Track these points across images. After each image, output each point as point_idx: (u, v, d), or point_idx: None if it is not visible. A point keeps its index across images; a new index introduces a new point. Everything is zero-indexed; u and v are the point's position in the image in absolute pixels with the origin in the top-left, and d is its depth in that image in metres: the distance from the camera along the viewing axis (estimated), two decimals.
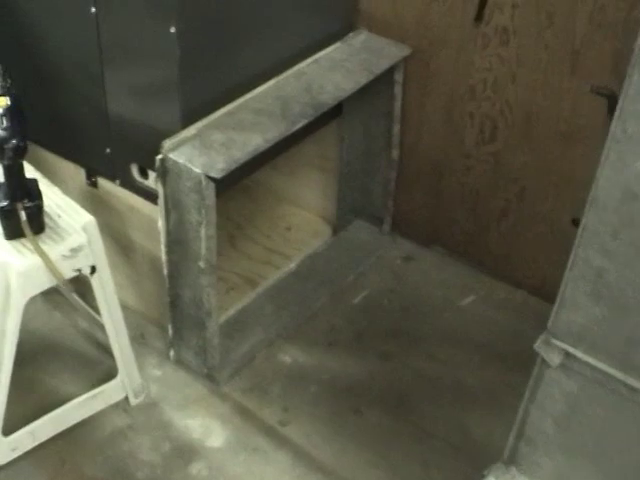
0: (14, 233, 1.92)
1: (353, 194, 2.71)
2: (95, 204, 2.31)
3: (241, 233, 2.72)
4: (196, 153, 1.99)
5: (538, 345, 1.31)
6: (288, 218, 2.78)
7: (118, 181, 2.25)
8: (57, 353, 2.36)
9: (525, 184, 2.43)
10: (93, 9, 2.02)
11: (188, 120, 2.05)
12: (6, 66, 1.93)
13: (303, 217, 2.79)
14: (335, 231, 2.75)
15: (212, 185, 1.96)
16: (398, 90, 2.47)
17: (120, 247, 2.35)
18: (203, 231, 2.00)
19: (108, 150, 2.22)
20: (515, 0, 2.19)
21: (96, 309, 2.14)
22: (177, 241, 2.09)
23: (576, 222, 2.36)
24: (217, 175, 1.94)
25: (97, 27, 2.05)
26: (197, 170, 1.95)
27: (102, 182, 2.30)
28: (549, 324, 1.29)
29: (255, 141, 2.05)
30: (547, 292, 2.50)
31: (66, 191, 2.12)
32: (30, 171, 2.04)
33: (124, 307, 2.17)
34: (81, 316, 2.41)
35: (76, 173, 2.35)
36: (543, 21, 2.18)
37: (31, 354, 2.31)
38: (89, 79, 2.15)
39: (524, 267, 2.56)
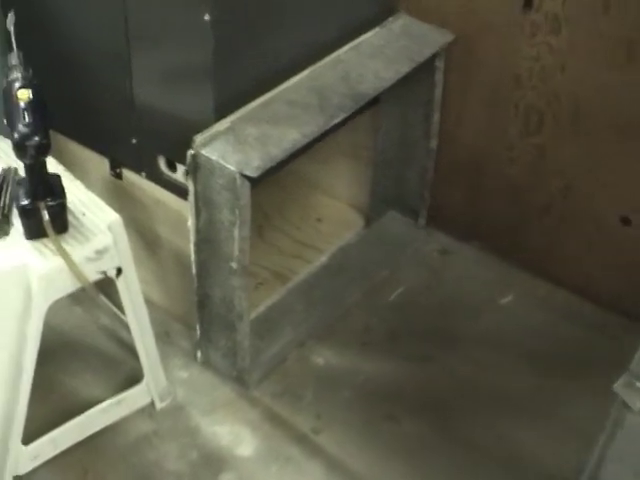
0: (36, 233, 1.79)
1: (387, 184, 2.58)
2: (119, 196, 2.19)
3: (270, 224, 2.60)
4: (230, 149, 1.86)
5: (618, 387, 1.19)
6: (319, 208, 2.65)
7: (144, 173, 2.12)
8: (78, 351, 2.25)
9: (571, 179, 2.30)
10: None
11: (221, 112, 1.92)
12: (25, 53, 1.79)
13: (334, 207, 2.66)
14: (367, 222, 2.63)
15: (247, 184, 1.83)
16: (439, 77, 2.33)
17: (145, 242, 2.23)
18: (236, 232, 1.88)
19: (134, 140, 2.09)
20: None
21: (120, 307, 2.02)
22: (207, 240, 1.97)
23: (626, 221, 2.28)
24: (253, 174, 1.81)
25: (125, 10, 1.92)
26: (231, 168, 1.82)
27: (127, 174, 2.18)
28: (632, 365, 1.17)
29: (292, 136, 1.91)
30: (590, 292, 2.39)
31: (89, 182, 2.00)
32: (52, 164, 1.91)
33: (148, 303, 2.04)
34: (103, 312, 2.30)
35: (100, 163, 2.22)
36: (598, 8, 2.04)
37: (51, 352, 2.17)
38: (115, 65, 2.01)
39: (566, 266, 2.43)
